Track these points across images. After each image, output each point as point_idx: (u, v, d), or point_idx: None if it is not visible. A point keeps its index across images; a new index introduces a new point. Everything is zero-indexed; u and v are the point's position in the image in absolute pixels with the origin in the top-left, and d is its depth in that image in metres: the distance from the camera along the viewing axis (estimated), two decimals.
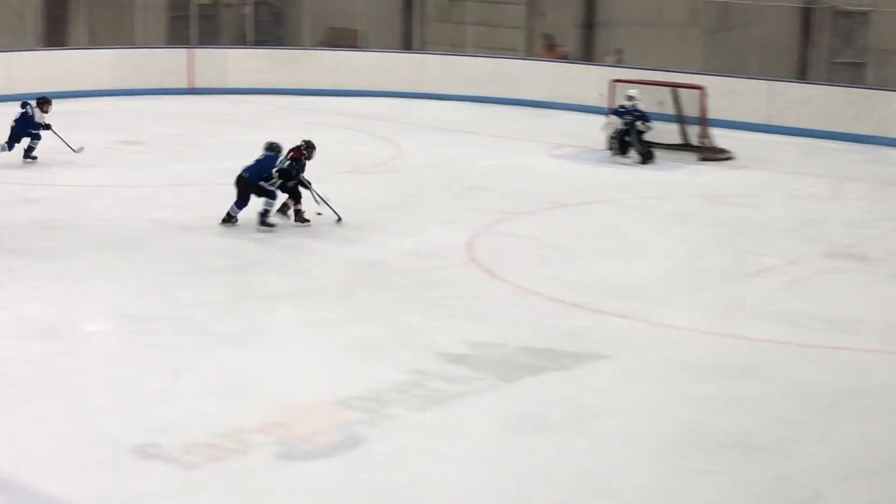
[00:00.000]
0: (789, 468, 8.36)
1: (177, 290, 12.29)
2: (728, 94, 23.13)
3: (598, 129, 20.65)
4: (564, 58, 26.71)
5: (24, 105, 18.48)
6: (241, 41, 28.55)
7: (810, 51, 24.35)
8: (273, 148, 14.90)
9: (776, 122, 23.08)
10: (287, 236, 14.48)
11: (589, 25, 27.40)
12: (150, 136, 21.32)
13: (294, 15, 29.09)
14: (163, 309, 11.63)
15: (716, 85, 22.25)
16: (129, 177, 17.91)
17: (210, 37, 28.14)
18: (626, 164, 19.64)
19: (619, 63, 25.21)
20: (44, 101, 18.58)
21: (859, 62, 24.13)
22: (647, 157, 19.79)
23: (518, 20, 27.71)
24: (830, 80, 24.04)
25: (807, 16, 24.65)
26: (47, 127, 18.32)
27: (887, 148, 21.61)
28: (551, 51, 27.21)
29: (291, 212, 14.98)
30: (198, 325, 11.20)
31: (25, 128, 18.37)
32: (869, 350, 11.08)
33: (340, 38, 29.03)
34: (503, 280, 12.97)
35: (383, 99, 26.22)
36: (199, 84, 26.51)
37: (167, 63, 26.59)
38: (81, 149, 18.41)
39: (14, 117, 18.36)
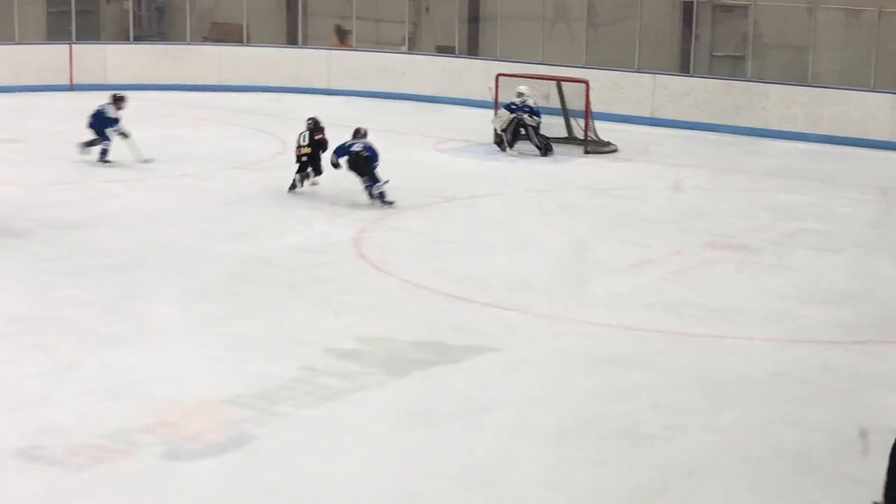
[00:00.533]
0: (675, 456, 8.48)
1: (59, 289, 12.06)
2: (612, 88, 23.42)
3: (487, 123, 20.74)
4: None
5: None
6: (122, 37, 28.09)
7: (691, 44, 24.74)
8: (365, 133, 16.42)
9: (659, 114, 23.41)
10: (172, 234, 14.30)
11: (473, 20, 27.48)
12: (31, 134, 20.90)
13: (176, 10, 28.72)
14: (44, 309, 11.41)
15: (599, 78, 22.51)
16: (10, 175, 17.52)
17: (90, 32, 27.66)
18: (513, 157, 19.77)
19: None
20: (119, 99, 18.39)
21: (739, 55, 24.56)
22: (546, 150, 19.96)
23: (402, 15, 27.69)
24: (711, 73, 24.45)
25: (688, 9, 25.04)
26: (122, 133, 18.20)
27: (767, 139, 22.03)
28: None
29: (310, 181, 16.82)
30: (81, 325, 10.99)
31: (101, 125, 18.22)
32: (752, 338, 11.27)
33: (224, 33, 28.74)
34: (392, 275, 12.95)
35: (268, 94, 26.04)
36: (80, 80, 26.06)
37: (47, 59, 26.10)
38: (149, 160, 18.22)
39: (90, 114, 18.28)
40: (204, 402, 9.19)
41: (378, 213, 15.67)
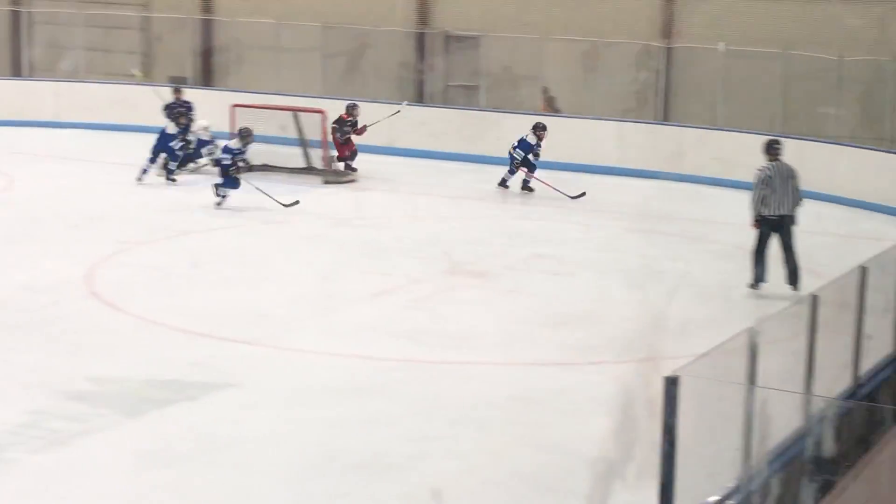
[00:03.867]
0: (417, 484, 8.49)
1: None
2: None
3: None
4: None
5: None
6: None
7: (425, 74, 25.08)
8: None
9: (397, 144, 23.58)
10: None
11: (207, 50, 27.15)
12: None
13: None
14: None
15: (337, 109, 22.53)
16: None
17: None
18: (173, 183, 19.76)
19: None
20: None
21: (472, 85, 25.07)
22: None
23: (133, 45, 27.10)
24: (446, 103, 24.83)
25: (420, 40, 25.40)
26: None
27: (502, 167, 22.46)
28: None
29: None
30: None
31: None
32: (491, 363, 11.44)
33: None
34: (125, 312, 12.58)
35: None
36: None
37: None
38: (294, 202, 18.00)
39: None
40: None
41: (110, 248, 15.21)
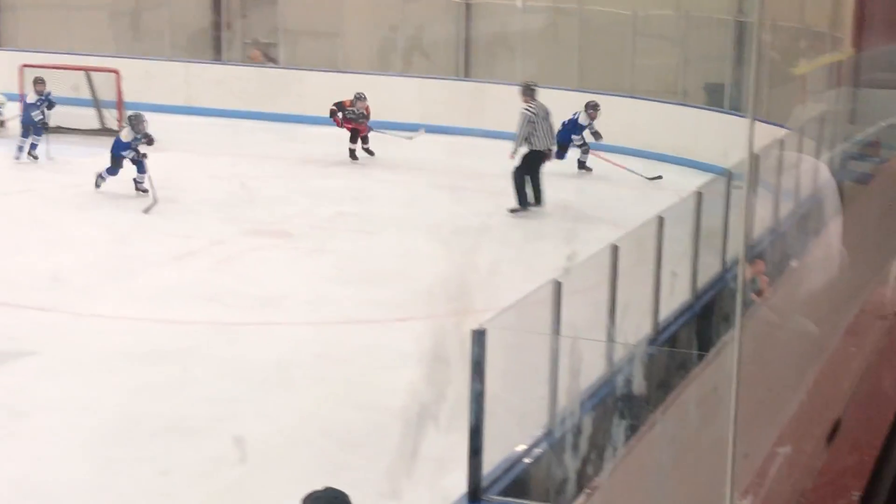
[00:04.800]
0: (225, 447, 8.37)
1: None
2: (145, 77, 22.88)
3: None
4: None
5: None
6: None
7: (223, 32, 24.63)
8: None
9: (195, 103, 23.14)
10: None
11: None
12: None
13: None
14: None
15: (131, 68, 21.95)
16: None
17: None
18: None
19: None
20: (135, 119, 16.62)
21: (272, 42, 24.73)
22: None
23: None
24: (245, 61, 24.45)
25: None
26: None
27: (303, 125, 22.27)
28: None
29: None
30: None
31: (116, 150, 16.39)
32: (297, 323, 11.35)
33: None
34: None
35: None
36: None
37: None
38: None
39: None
40: None
41: None
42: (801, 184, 12.97)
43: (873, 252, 3.58)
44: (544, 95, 16.87)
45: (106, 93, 20.81)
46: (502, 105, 18.72)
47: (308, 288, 12.46)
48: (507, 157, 16.07)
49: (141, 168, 16.24)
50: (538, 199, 15.96)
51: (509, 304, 7.26)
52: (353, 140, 19.43)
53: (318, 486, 4.97)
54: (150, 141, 16.41)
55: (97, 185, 16.34)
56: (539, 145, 16.13)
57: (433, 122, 21.46)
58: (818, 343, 2.77)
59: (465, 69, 23.59)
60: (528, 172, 15.93)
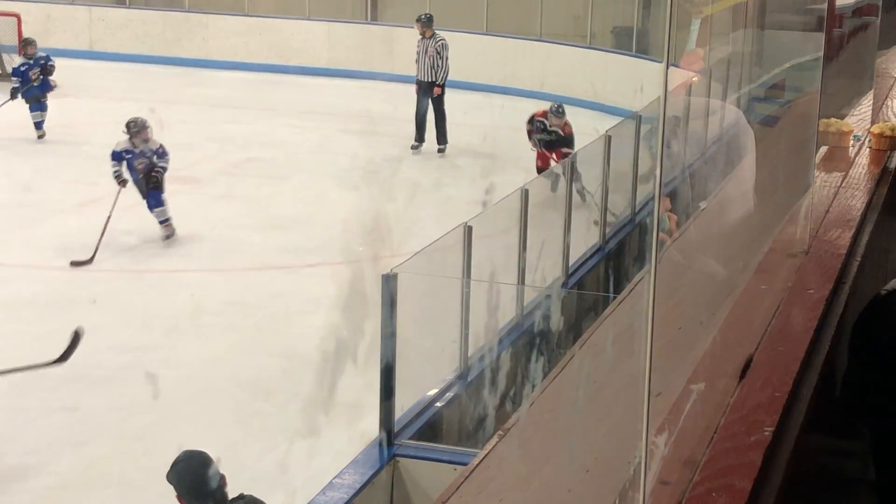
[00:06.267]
0: (134, 395, 8.28)
1: None
2: (46, 20, 22.41)
3: None
4: None
5: None
6: None
7: None
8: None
9: (98, 47, 22.71)
10: None
11: None
12: None
13: None
14: None
15: (32, 11, 21.48)
16: None
17: None
18: None
19: None
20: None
21: None
22: None
23: None
24: (148, 5, 24.02)
25: None
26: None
27: (209, 70, 21.98)
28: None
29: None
30: None
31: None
32: (205, 270, 11.23)
33: None
34: None
35: None
36: None
37: None
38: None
39: None
40: None
41: None
42: (709, 125, 13.07)
43: (782, 192, 3.60)
44: (454, 39, 16.83)
45: (6, 37, 20.32)
46: (411, 48, 18.60)
47: (217, 234, 12.34)
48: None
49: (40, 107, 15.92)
50: (441, 139, 16.29)
51: (420, 249, 7.24)
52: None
53: (227, 436, 4.93)
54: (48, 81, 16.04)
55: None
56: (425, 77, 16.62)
57: (341, 66, 21.32)
58: (729, 281, 2.78)
59: (374, 12, 23.40)
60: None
